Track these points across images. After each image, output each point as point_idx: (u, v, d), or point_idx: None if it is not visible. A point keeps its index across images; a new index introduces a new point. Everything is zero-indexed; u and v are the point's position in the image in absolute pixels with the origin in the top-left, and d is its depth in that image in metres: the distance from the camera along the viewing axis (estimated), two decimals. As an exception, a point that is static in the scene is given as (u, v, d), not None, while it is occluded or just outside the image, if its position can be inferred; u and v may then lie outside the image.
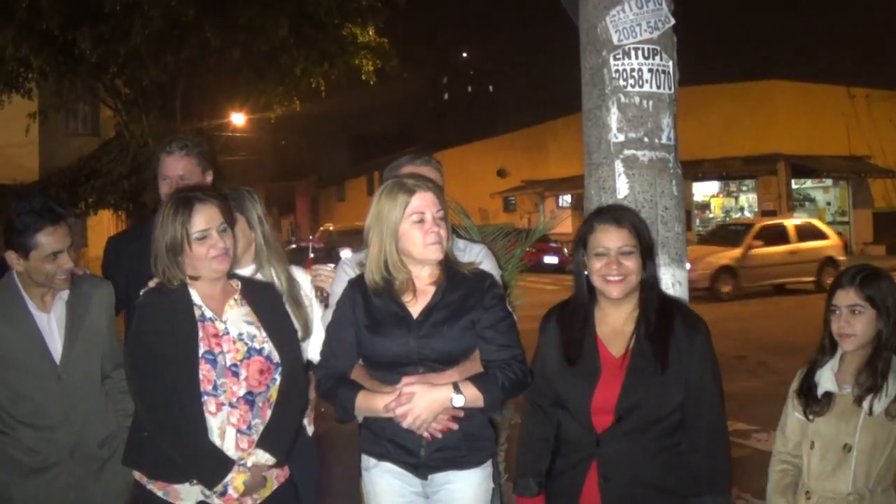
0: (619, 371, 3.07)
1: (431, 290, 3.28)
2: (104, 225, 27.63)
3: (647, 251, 3.15)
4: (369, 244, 3.28)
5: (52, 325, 3.69)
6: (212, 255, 3.29)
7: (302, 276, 3.90)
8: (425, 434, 3.13)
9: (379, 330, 3.22)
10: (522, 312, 4.49)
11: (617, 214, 3.18)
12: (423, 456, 3.20)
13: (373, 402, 3.14)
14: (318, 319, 3.78)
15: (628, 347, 3.11)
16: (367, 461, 3.34)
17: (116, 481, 3.81)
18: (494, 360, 3.19)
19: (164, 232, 3.28)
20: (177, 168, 4.30)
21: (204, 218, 3.29)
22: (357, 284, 3.34)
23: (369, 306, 3.27)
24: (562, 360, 3.19)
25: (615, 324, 3.19)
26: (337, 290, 3.54)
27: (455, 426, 3.15)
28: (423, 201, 3.20)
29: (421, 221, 3.19)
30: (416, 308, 3.25)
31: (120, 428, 3.85)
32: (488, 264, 3.66)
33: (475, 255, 3.70)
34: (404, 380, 3.12)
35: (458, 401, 3.07)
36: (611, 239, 3.13)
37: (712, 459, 3.09)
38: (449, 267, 3.32)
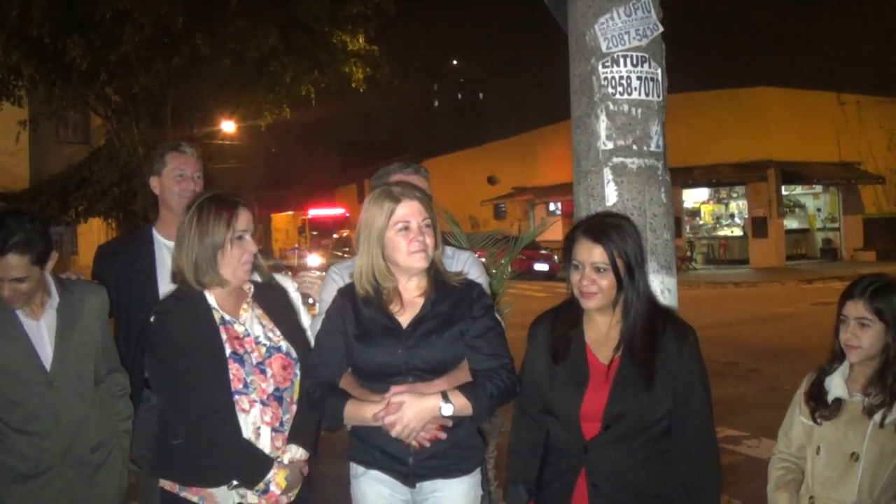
0: (607, 379, 3.08)
1: (420, 300, 3.28)
2: (94, 233, 27.67)
3: (629, 267, 3.10)
4: (358, 252, 3.29)
5: (42, 332, 3.67)
6: (245, 259, 3.33)
7: (288, 283, 3.91)
8: (414, 443, 3.14)
9: (368, 340, 3.22)
10: (513, 320, 4.49)
11: (597, 230, 3.14)
12: (411, 464, 3.21)
13: (361, 411, 3.14)
14: (307, 327, 3.78)
15: (615, 356, 3.11)
16: (356, 469, 3.34)
17: (109, 487, 3.82)
18: (483, 370, 3.19)
19: (205, 230, 3.28)
20: (195, 166, 4.42)
21: (245, 220, 3.34)
22: (347, 293, 3.34)
23: (358, 316, 3.27)
24: (549, 360, 3.19)
25: (601, 331, 3.19)
26: (326, 297, 3.54)
27: (443, 435, 3.15)
28: (408, 209, 3.20)
29: (406, 229, 3.19)
30: (404, 318, 3.25)
31: (114, 433, 3.87)
32: (475, 272, 3.67)
33: (462, 263, 3.71)
34: (393, 389, 3.12)
35: (447, 410, 3.07)
36: (585, 254, 3.12)
37: (700, 467, 3.09)
38: (437, 277, 3.32)
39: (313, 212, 49.32)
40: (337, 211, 50.44)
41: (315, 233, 45.92)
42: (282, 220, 54.02)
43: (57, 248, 3.73)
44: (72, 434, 3.69)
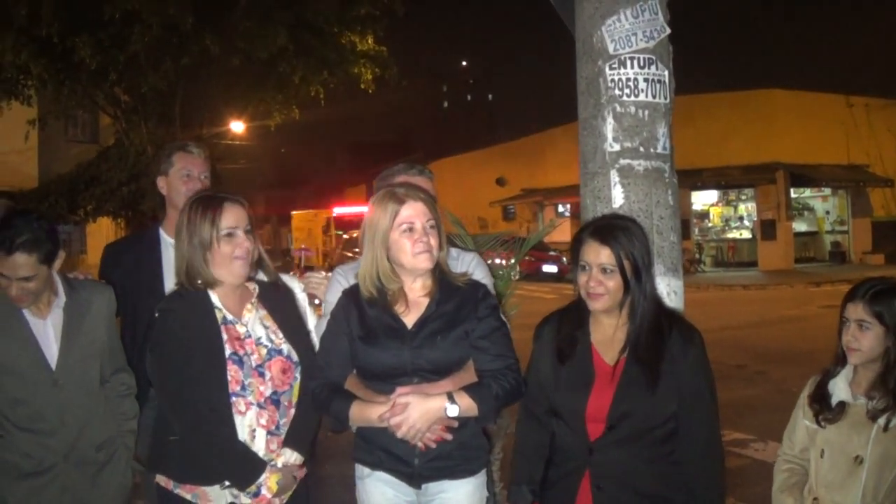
0: (612, 380, 3.08)
1: (425, 301, 3.28)
2: (103, 232, 27.69)
3: (636, 269, 3.11)
4: (363, 253, 3.29)
5: (48, 331, 3.68)
6: (237, 254, 3.30)
7: (294, 284, 3.91)
8: (419, 444, 3.14)
9: (373, 341, 3.22)
10: (521, 321, 4.48)
11: (604, 232, 3.15)
12: (416, 465, 3.21)
13: (367, 413, 3.13)
14: (312, 327, 3.78)
15: (621, 357, 3.11)
16: (361, 470, 3.34)
17: (113, 486, 3.83)
18: (488, 370, 3.19)
19: (193, 230, 3.28)
20: (202, 166, 4.44)
21: (233, 216, 3.32)
22: (351, 294, 3.34)
23: (363, 317, 3.27)
24: (554, 361, 3.19)
25: (607, 332, 3.19)
26: (330, 298, 3.54)
27: (449, 436, 3.15)
28: (412, 210, 3.21)
29: (410, 230, 3.20)
30: (409, 319, 3.25)
31: (119, 432, 3.88)
32: (480, 273, 3.67)
33: (467, 264, 3.71)
34: (398, 390, 3.12)
35: (453, 411, 3.06)
36: (592, 255, 3.13)
37: (705, 469, 3.09)
38: (442, 278, 3.32)
39: (339, 210, 48.81)
40: (364, 209, 49.57)
41: (340, 232, 45.46)
42: (303, 218, 53.41)
43: (65, 248, 3.74)
44: (76, 433, 3.70)
